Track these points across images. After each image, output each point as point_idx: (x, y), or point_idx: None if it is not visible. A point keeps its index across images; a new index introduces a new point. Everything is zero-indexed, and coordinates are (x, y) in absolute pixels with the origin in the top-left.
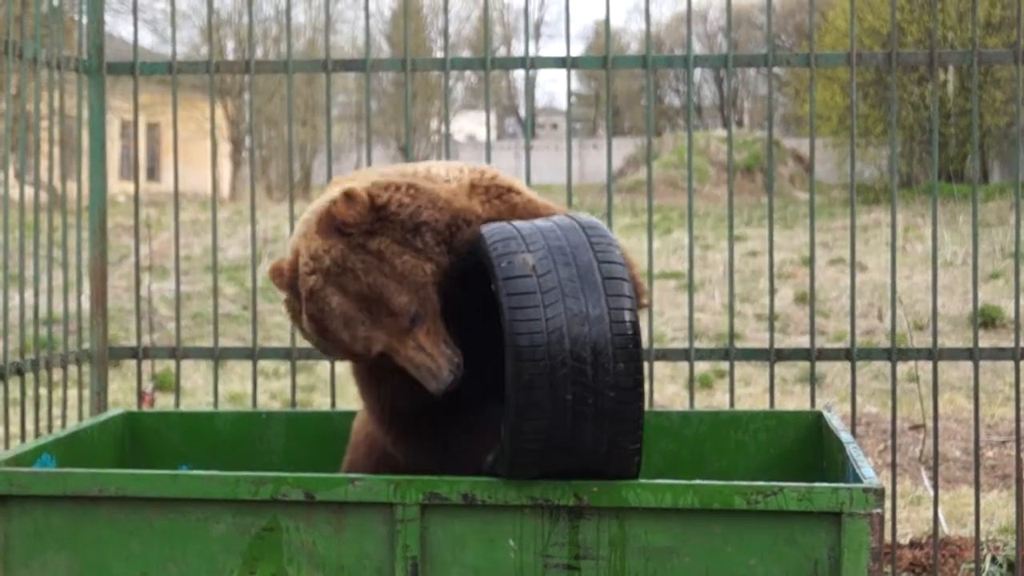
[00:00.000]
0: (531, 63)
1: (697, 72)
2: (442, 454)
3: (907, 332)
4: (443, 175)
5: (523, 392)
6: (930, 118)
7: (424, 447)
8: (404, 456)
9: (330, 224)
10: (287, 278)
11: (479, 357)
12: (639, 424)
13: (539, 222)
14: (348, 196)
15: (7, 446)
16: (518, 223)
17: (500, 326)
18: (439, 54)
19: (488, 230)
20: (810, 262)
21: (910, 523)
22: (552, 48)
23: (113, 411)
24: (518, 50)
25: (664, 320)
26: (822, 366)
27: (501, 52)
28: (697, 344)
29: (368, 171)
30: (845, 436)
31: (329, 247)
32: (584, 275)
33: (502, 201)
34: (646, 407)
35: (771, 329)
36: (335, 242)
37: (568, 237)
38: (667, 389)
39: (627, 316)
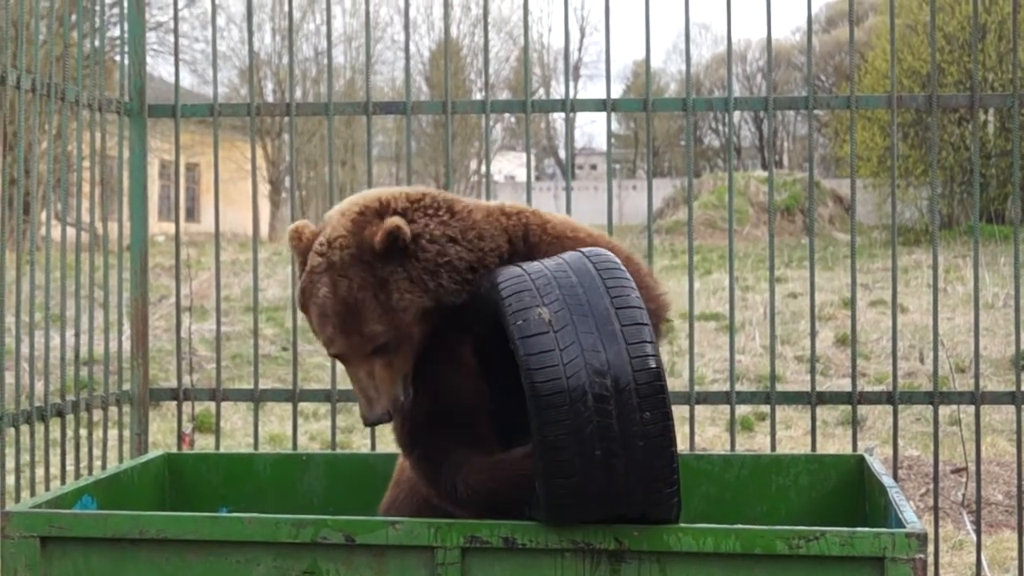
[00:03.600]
0: (571, 106)
1: (736, 113)
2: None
3: (949, 374)
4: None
5: (551, 452)
6: (970, 159)
7: (420, 463)
8: (413, 471)
9: (360, 225)
10: (303, 244)
11: (504, 387)
12: (673, 469)
13: (549, 264)
14: (393, 233)
15: (47, 487)
16: (529, 267)
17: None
18: (478, 95)
19: (502, 281)
20: (851, 304)
21: (953, 568)
22: (591, 88)
23: (154, 453)
24: (557, 91)
25: (704, 362)
26: (863, 408)
27: (540, 93)
28: (738, 386)
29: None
30: (887, 480)
31: (346, 244)
32: (602, 325)
33: (527, 236)
34: (687, 450)
35: (812, 372)
36: (352, 244)
37: (582, 282)
38: (708, 431)
39: (650, 363)
